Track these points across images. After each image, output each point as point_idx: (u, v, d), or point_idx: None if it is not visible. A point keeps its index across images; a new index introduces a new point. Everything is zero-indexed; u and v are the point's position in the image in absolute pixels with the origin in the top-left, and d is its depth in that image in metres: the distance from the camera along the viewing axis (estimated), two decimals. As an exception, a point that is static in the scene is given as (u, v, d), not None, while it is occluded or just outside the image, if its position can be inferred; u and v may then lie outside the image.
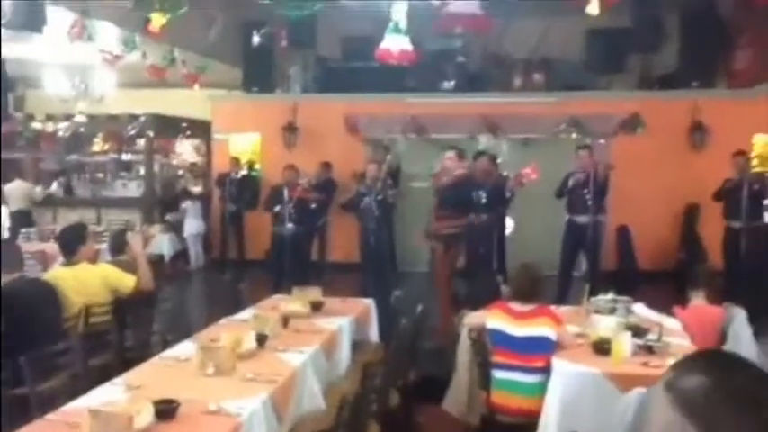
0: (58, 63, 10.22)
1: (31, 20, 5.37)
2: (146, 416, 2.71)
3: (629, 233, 10.21)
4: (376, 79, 10.58)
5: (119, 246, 5.12)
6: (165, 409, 2.79)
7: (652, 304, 5.03)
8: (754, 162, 10.00)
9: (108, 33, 8.91)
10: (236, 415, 2.89)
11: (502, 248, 9.68)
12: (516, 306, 4.09)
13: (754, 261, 7.53)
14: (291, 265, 7.83)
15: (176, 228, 10.89)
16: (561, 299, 7.22)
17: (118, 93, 11.36)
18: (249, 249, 10.33)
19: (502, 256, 9.65)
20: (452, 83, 11.20)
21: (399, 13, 3.84)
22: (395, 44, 3.90)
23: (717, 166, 8.87)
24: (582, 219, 7.64)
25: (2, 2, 5.21)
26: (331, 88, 10.94)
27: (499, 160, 10.69)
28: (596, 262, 7.77)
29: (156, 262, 9.99)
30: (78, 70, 10.37)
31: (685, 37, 10.57)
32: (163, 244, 9.92)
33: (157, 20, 5.75)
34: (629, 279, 9.44)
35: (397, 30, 3.86)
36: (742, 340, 4.63)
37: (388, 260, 8.44)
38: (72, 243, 4.61)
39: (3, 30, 5.56)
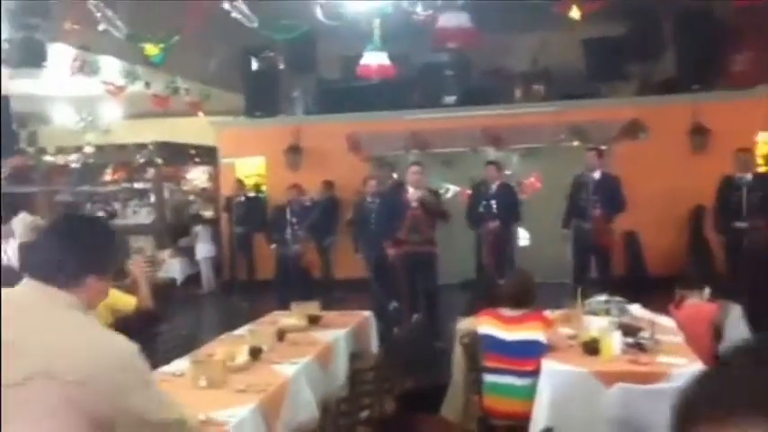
0: (65, 96, 10.48)
1: (30, 56, 5.56)
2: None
3: (637, 238, 10.20)
4: (377, 97, 10.73)
5: (119, 271, 5.23)
6: (153, 420, 2.88)
7: (663, 309, 5.02)
8: (760, 161, 9.99)
9: (111, 66, 9.15)
10: (223, 423, 2.97)
11: (511, 258, 9.72)
12: (506, 311, 4.14)
13: (756, 261, 7.48)
14: (297, 284, 7.92)
15: (188, 252, 11.04)
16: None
17: (125, 123, 11.61)
18: (259, 270, 10.43)
19: (510, 266, 9.68)
20: (453, 97, 11.32)
21: (376, 30, 3.96)
22: (374, 60, 4.01)
23: (720, 166, 8.85)
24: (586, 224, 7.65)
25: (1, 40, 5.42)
26: (333, 109, 11.09)
27: (508, 172, 10.82)
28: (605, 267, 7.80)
29: (169, 285, 10.20)
30: (85, 103, 10.63)
31: (682, 41, 10.62)
32: (174, 268, 10.07)
33: (151, 50, 5.93)
34: (638, 285, 9.43)
35: (375, 46, 3.97)
36: (737, 335, 4.63)
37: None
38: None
39: (3, 66, 5.76)
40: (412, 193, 7.16)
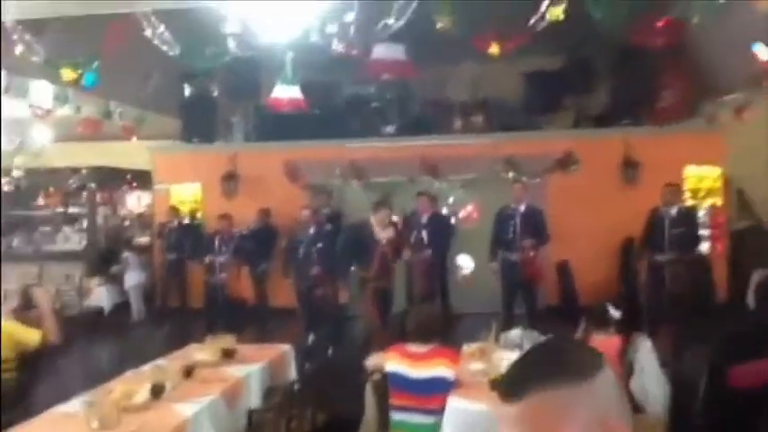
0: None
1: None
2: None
3: (570, 269, 10.35)
4: (317, 125, 10.72)
5: (27, 301, 5.07)
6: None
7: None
8: (687, 194, 10.30)
9: (44, 89, 8.95)
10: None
11: (445, 288, 9.74)
12: (413, 348, 4.11)
13: (676, 294, 7.65)
14: (226, 313, 7.79)
15: (118, 280, 10.77)
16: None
17: (58, 146, 11.34)
18: (193, 298, 10.22)
19: (444, 296, 9.70)
20: (393, 127, 11.40)
21: (288, 64, 3.96)
22: (285, 93, 4.00)
23: (650, 199, 9.07)
24: (512, 256, 7.72)
25: None
26: (272, 136, 11.03)
27: (450, 200, 10.90)
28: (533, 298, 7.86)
29: (96, 315, 9.93)
30: (14, 125, 10.36)
31: (615, 77, 10.92)
32: (101, 296, 9.80)
33: (68, 74, 5.81)
34: (570, 315, 9.53)
35: (286, 79, 3.97)
36: (647, 369, 4.69)
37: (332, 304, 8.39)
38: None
39: None
40: (379, 231, 7.10)
